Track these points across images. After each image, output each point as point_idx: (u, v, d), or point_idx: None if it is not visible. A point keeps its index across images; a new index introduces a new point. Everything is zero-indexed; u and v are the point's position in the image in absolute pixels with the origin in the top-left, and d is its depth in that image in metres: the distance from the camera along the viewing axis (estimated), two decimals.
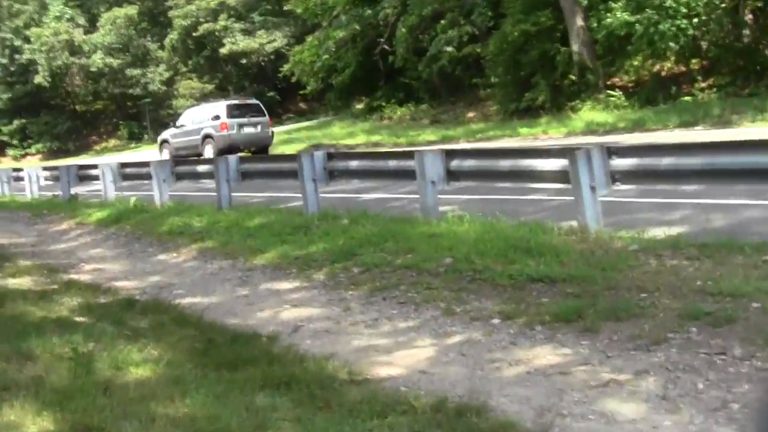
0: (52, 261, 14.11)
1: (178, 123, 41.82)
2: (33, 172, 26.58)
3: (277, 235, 12.96)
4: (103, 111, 77.77)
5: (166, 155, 39.32)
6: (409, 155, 13.19)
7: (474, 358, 6.94)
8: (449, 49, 40.95)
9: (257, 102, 41.24)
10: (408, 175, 13.07)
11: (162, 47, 73.99)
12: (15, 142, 76.59)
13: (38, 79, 72.00)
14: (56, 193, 24.12)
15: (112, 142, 75.33)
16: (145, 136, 72.21)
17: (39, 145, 75.48)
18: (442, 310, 8.33)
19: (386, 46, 45.69)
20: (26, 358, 7.34)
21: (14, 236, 18.22)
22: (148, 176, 19.47)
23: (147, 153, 52.79)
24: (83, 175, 23.78)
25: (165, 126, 51.18)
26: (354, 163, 14.46)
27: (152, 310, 9.43)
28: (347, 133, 41.64)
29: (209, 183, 17.51)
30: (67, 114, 75.98)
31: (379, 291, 9.35)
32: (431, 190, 12.39)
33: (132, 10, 73.64)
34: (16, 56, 74.06)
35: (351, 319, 8.54)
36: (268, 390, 6.36)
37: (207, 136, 38.02)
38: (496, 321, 7.72)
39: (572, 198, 10.44)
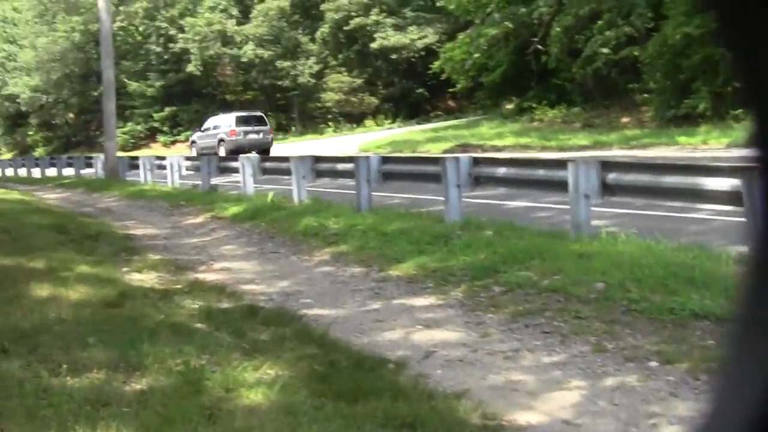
0: (182, 257, 13.57)
1: (203, 128, 52.01)
2: (175, 161, 26.34)
3: (415, 244, 12.16)
4: (253, 101, 77.99)
5: (194, 152, 47.25)
6: (561, 165, 12.25)
7: (627, 410, 6.00)
8: (605, 50, 39.60)
9: (261, 114, 52.14)
10: (559, 186, 12.15)
11: (313, 40, 73.85)
12: (165, 128, 77.83)
13: (190, 67, 72.87)
14: (196, 183, 23.74)
15: None
16: (293, 128, 72.41)
17: (188, 133, 76.14)
18: (592, 346, 7.40)
19: (540, 46, 44.58)
20: (134, 369, 6.71)
21: (149, 227, 17.83)
22: (288, 171, 18.88)
23: (294, 146, 52.87)
24: (224, 167, 23.42)
25: (312, 118, 68.22)
26: (501, 170, 13.58)
27: (275, 321, 8.70)
28: (495, 134, 40.74)
29: (350, 181, 16.77)
30: (217, 103, 76.36)
31: (522, 316, 8.46)
32: (584, 205, 11.44)
33: (284, 2, 73.54)
34: (170, 45, 75.10)
35: (489, 348, 7.66)
36: None
37: (221, 140, 47.66)
38: (653, 364, 6.75)
39: (741, 219, 9.39)
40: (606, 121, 40.68)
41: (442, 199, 13.89)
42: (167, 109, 76.89)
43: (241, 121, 48.44)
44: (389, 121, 68.22)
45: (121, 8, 75.82)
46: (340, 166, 17.98)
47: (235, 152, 37.51)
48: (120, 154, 64.94)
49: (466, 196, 14.14)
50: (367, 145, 45.64)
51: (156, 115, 77.74)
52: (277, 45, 73.37)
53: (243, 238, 15.38)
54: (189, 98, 76.53)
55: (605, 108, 43.25)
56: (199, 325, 8.43)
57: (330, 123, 70.69)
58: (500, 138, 38.77)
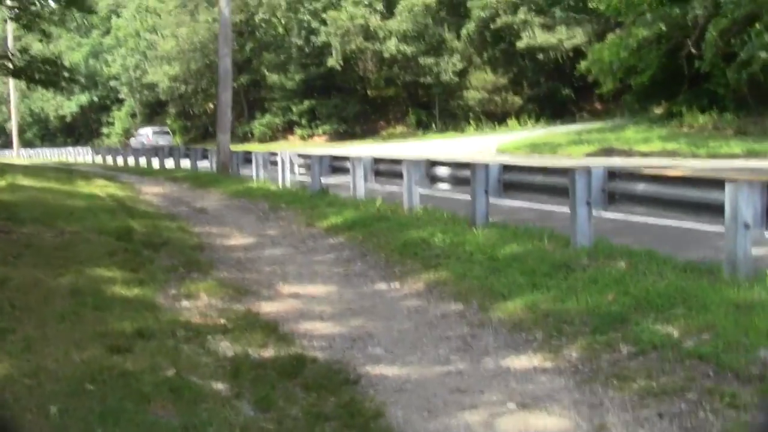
0: (251, 275, 11.48)
1: (136, 135, 78.80)
2: (287, 158, 24.26)
3: (528, 274, 9.84)
4: (394, 97, 76.42)
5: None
6: (715, 185, 9.80)
7: None
8: (763, 54, 36.55)
9: (167, 129, 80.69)
10: (713, 210, 9.73)
11: (458, 37, 71.51)
12: (304, 122, 76.95)
13: (331, 62, 71.36)
14: (306, 183, 21.81)
15: (399, 128, 74.04)
16: (434, 126, 70.65)
17: (326, 127, 75.29)
18: None
19: (693, 49, 41.69)
20: None
21: (234, 234, 15.83)
22: (402, 175, 16.71)
23: (433, 144, 51.40)
24: (336, 167, 21.35)
25: (453, 116, 70.89)
26: (641, 187, 11.13)
27: (321, 386, 6.54)
28: (642, 139, 38.07)
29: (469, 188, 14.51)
30: (357, 98, 75.15)
31: (655, 397, 6.10)
32: (743, 236, 8.99)
33: None
34: (312, 38, 73.80)
35: None
36: None
37: (142, 143, 69.81)
38: None
39: None
40: (760, 128, 37.57)
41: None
42: (306, 103, 75.90)
43: (156, 133, 75.41)
44: (532, 121, 65.83)
45: (264, 0, 75.15)
46: (458, 173, 15.72)
47: (151, 152, 50.00)
48: (256, 146, 64.61)
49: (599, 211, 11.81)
50: (506, 146, 43.86)
51: (295, 108, 76.84)
52: (420, 41, 71.29)
53: (332, 254, 13.21)
54: (329, 92, 75.37)
55: (760, 115, 40.06)
56: (217, 387, 6.33)
57: (471, 121, 68.61)
58: (646, 143, 36.10)
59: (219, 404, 5.88)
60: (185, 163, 38.02)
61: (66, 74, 40.04)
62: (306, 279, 11.28)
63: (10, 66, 35.47)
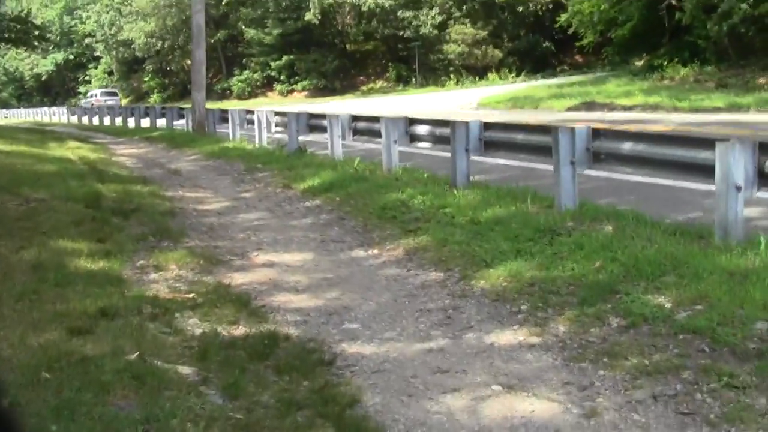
0: (224, 243, 11.02)
1: (87, 96, 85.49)
2: (263, 116, 23.73)
3: (512, 240, 9.45)
4: (373, 52, 75.94)
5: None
6: (704, 144, 9.41)
7: None
8: (743, 5, 36.10)
9: (115, 90, 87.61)
10: (700, 171, 9.37)
11: None
12: (283, 77, 76.48)
13: (309, 15, 70.80)
14: (283, 142, 21.33)
15: (379, 83, 73.66)
16: (413, 80, 70.21)
17: (305, 82, 74.77)
18: None
19: (673, 1, 41.24)
20: None
21: (208, 197, 15.37)
22: (380, 133, 16.26)
23: (413, 98, 51.14)
24: (313, 125, 20.85)
25: (433, 70, 70.81)
26: (627, 146, 10.71)
27: (293, 368, 6.14)
28: (623, 92, 37.72)
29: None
30: (336, 52, 74.63)
31: (649, 377, 5.73)
32: (734, 199, 8.60)
33: None
34: None
35: None
36: None
37: (92, 103, 71.42)
38: None
39: None
40: (741, 81, 37.22)
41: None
42: (285, 58, 75.34)
43: (103, 93, 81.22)
44: (513, 75, 65.56)
45: None
46: (438, 131, 15.29)
47: (99, 110, 53.86)
48: (235, 103, 63.95)
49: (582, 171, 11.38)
50: (487, 100, 43.75)
51: (273, 64, 76.28)
52: None
53: (308, 218, 12.75)
54: (307, 47, 74.72)
55: (741, 67, 39.70)
56: (183, 372, 5.92)
57: (452, 75, 68.24)
58: (628, 97, 35.73)
59: (184, 392, 5.48)
60: (162, 122, 37.44)
61: (36, 32, 39.40)
62: (281, 246, 10.84)
63: None
